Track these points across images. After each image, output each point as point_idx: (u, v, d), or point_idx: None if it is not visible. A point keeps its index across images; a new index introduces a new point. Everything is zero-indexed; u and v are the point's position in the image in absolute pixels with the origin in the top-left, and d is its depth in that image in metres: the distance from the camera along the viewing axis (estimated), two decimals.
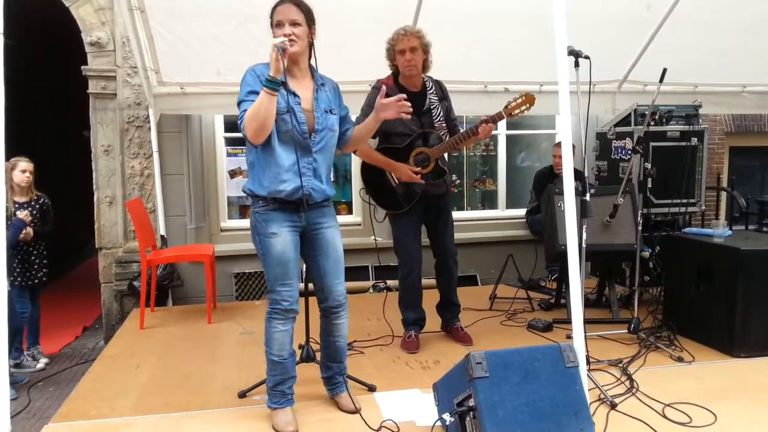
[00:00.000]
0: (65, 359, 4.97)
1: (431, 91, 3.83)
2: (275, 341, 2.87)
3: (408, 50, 3.65)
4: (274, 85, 2.62)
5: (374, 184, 3.90)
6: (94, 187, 5.45)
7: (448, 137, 3.80)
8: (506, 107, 3.65)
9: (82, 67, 5.33)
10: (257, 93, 2.67)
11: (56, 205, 4.75)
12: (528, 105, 3.56)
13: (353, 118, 3.30)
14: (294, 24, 2.75)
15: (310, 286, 3.09)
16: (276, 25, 2.78)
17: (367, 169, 3.90)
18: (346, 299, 3.04)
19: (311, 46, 2.91)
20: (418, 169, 3.76)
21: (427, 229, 4.03)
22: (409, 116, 3.08)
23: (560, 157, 2.96)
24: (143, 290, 4.65)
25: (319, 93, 2.90)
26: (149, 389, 3.43)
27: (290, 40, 2.70)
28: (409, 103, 3.00)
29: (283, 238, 2.83)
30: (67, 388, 4.10)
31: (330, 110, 2.91)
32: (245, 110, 2.70)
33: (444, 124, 3.84)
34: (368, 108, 3.69)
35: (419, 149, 3.78)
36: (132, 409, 3.18)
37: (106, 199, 5.45)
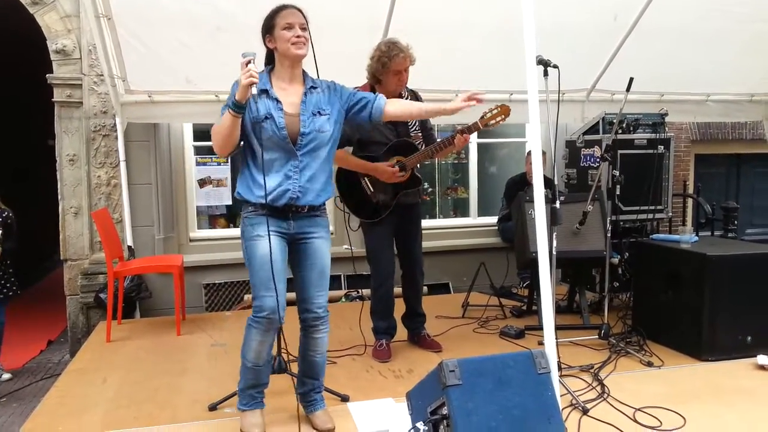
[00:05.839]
0: (29, 374, 4.85)
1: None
2: (251, 350, 2.83)
3: (404, 71, 3.68)
4: (238, 109, 2.66)
5: (349, 192, 3.88)
6: (59, 198, 5.34)
7: (423, 147, 3.81)
8: (482, 118, 3.65)
9: (47, 75, 5.23)
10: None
11: (22, 215, 4.63)
12: (503, 116, 3.58)
13: None
14: (303, 28, 2.80)
15: (291, 295, 3.04)
16: (286, 27, 2.79)
17: (341, 176, 3.88)
18: (326, 312, 2.97)
19: None
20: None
21: (397, 238, 4.01)
22: None
23: None
24: (110, 302, 4.55)
25: (308, 96, 2.88)
26: (117, 403, 3.36)
27: (302, 44, 2.79)
28: None
29: (269, 243, 2.77)
30: (31, 403, 4.00)
31: (319, 112, 2.87)
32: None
33: (420, 134, 3.85)
34: None
35: (396, 158, 3.78)
36: (100, 424, 3.11)
37: (71, 209, 5.33)
